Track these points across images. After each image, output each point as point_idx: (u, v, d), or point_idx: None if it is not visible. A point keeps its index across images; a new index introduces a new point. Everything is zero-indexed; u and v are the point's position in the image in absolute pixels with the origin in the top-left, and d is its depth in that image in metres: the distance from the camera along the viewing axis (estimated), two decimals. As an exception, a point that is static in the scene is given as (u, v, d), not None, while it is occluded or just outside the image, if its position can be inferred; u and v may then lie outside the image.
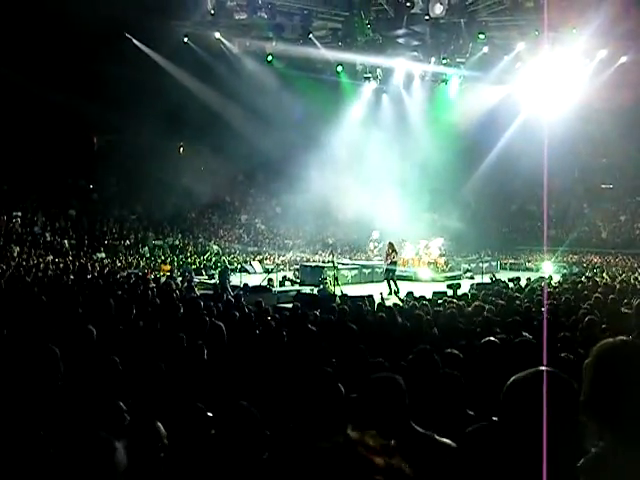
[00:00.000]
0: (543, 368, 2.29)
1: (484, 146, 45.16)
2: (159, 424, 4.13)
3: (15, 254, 28.81)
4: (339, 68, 36.95)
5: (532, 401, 2.16)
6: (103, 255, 31.80)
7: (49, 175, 38.82)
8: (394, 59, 37.30)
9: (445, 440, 3.73)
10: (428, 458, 3.46)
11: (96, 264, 29.53)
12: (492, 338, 7.36)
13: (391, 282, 26.89)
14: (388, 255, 28.40)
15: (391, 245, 29.11)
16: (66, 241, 32.49)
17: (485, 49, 34.62)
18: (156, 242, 35.82)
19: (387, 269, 28.01)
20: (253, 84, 37.24)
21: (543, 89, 37.05)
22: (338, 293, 23.25)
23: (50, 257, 29.53)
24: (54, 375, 7.79)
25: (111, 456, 2.38)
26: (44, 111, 36.29)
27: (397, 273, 28.95)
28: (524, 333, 9.04)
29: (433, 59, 36.47)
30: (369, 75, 38.43)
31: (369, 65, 37.81)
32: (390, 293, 25.19)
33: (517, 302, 15.32)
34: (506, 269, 38.25)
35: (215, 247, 37.38)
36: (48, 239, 32.44)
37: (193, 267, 32.01)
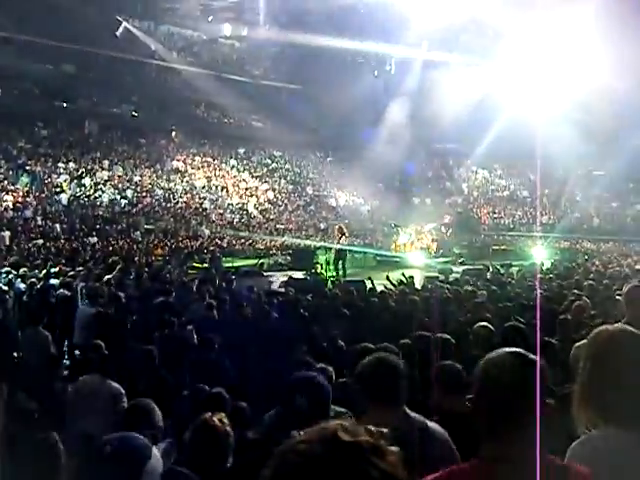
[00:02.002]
0: (514, 350, 2.29)
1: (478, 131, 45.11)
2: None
3: (7, 240, 28.68)
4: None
5: (502, 383, 2.16)
6: (95, 240, 31.65)
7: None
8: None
9: (437, 427, 3.71)
10: (421, 445, 3.46)
11: (88, 248, 29.44)
12: (484, 323, 7.37)
13: (339, 263, 26.95)
14: (339, 239, 28.50)
15: (340, 229, 29.26)
16: (57, 225, 32.34)
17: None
18: (148, 226, 35.69)
19: (338, 250, 27.99)
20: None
21: (535, 74, 37.03)
22: (333, 278, 23.31)
23: (40, 241, 29.40)
24: (44, 355, 7.80)
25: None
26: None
27: (389, 258, 28.97)
28: (516, 318, 9.07)
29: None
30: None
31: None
32: (338, 274, 25.42)
33: (509, 288, 15.38)
34: (498, 255, 38.27)
35: (207, 231, 37.29)
36: (39, 223, 32.30)
37: (186, 252, 31.93)
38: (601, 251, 39.29)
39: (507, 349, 2.29)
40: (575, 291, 13.88)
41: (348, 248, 29.76)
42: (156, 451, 2.42)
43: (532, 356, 2.24)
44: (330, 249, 28.81)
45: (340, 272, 26.23)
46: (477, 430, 2.23)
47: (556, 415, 2.43)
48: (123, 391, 6.92)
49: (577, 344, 5.14)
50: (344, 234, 28.80)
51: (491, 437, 2.14)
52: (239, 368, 8.61)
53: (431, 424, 3.66)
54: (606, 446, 2.43)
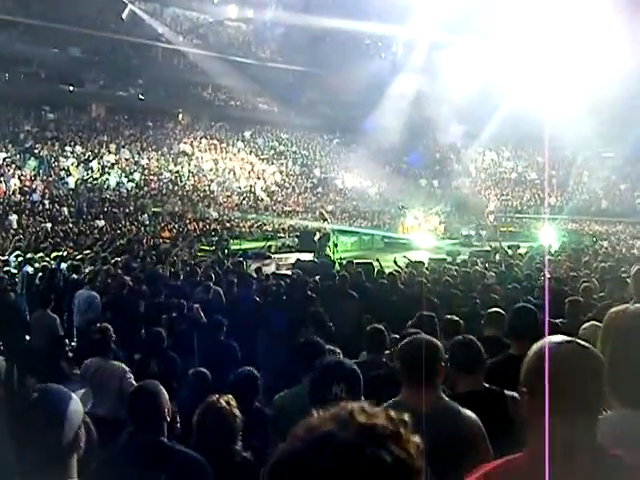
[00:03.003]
0: (571, 339, 2.24)
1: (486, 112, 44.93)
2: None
3: (14, 223, 28.71)
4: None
5: (566, 371, 2.12)
6: (102, 223, 31.67)
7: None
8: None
9: (469, 412, 3.68)
10: (453, 429, 3.47)
11: (95, 231, 29.47)
12: (497, 309, 7.32)
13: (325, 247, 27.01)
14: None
15: (321, 214, 29.37)
16: (65, 209, 32.37)
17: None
18: (155, 209, 35.70)
19: (322, 235, 28.01)
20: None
21: (544, 56, 36.80)
22: (337, 259, 23.28)
23: (48, 225, 29.43)
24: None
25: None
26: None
27: (396, 240, 28.96)
28: (525, 300, 9.03)
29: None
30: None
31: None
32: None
33: (516, 270, 15.33)
34: (505, 237, 38.18)
35: (214, 214, 37.29)
36: (47, 207, 32.32)
37: (194, 235, 31.95)
38: (609, 233, 39.16)
39: (563, 338, 2.23)
40: (584, 272, 13.88)
41: (339, 229, 29.98)
42: (75, 396, 2.47)
43: (591, 346, 2.20)
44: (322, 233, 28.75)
45: (330, 255, 26.12)
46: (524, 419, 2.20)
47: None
48: (127, 369, 6.93)
49: (584, 325, 5.11)
50: (325, 219, 28.96)
51: (556, 430, 2.09)
52: (247, 349, 8.62)
53: (463, 410, 3.64)
54: (622, 427, 2.41)
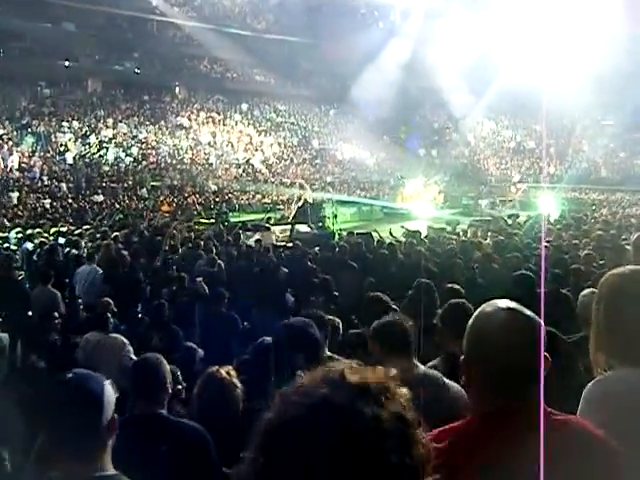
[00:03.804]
0: (509, 304, 2.22)
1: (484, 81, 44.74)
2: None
3: (15, 200, 28.74)
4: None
5: (501, 339, 2.11)
6: (101, 198, 31.68)
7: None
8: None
9: (453, 384, 3.70)
10: (436, 400, 3.47)
11: (94, 207, 29.50)
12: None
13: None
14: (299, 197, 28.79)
15: (301, 185, 29.47)
16: (64, 184, 32.35)
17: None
18: (154, 183, 35.69)
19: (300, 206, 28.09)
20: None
21: (543, 25, 36.58)
22: (337, 230, 23.29)
23: (47, 201, 29.46)
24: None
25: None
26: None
27: (396, 211, 29.00)
28: (526, 268, 9.05)
29: None
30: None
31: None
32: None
33: (516, 238, 15.34)
34: (505, 205, 38.15)
35: (213, 187, 37.28)
36: (45, 183, 32.30)
37: (193, 208, 31.96)
38: (609, 201, 39.17)
39: (500, 303, 2.21)
40: (584, 241, 13.91)
41: (339, 199, 30.22)
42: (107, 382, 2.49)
43: (527, 311, 2.18)
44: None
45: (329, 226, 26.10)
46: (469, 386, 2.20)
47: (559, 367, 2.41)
48: (127, 342, 6.97)
49: (583, 292, 5.14)
50: (302, 187, 29.08)
51: (494, 394, 2.09)
52: (248, 321, 8.66)
53: (448, 381, 3.66)
54: (622, 386, 2.43)
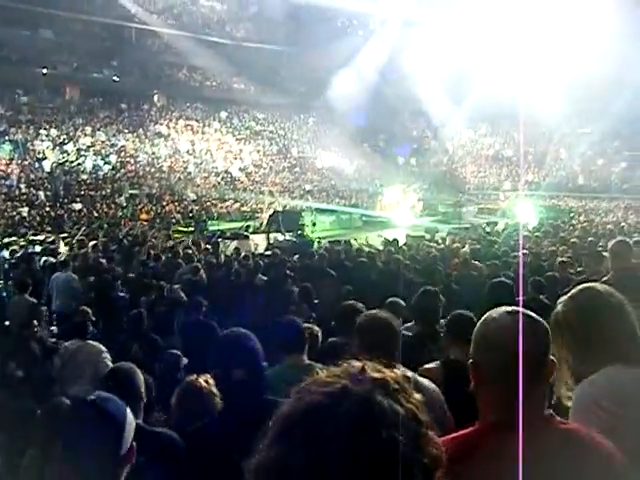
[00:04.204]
0: (516, 309, 2.25)
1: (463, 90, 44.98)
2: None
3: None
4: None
5: (506, 341, 2.13)
6: (80, 206, 31.52)
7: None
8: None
9: (427, 381, 3.73)
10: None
11: (72, 215, 29.34)
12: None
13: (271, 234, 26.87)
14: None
15: (270, 192, 29.64)
16: (41, 192, 32.16)
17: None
18: (132, 191, 35.56)
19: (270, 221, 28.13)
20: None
21: (521, 33, 36.86)
22: (316, 239, 23.29)
23: (25, 209, 29.27)
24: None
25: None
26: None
27: (375, 219, 29.07)
28: (504, 275, 9.09)
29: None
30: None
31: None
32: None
33: (495, 246, 15.41)
34: (483, 213, 38.32)
35: (192, 195, 37.20)
36: (23, 191, 32.11)
37: (171, 217, 31.85)
38: (586, 208, 39.44)
39: (506, 308, 2.25)
40: (562, 248, 14.01)
41: (318, 207, 30.22)
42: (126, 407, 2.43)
43: (536, 316, 2.21)
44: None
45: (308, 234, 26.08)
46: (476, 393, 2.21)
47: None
48: (104, 349, 6.94)
49: (560, 300, 5.16)
50: (272, 195, 29.23)
51: (500, 397, 2.11)
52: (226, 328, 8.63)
53: (421, 378, 3.69)
54: (615, 380, 2.48)
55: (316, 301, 9.04)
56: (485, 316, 2.23)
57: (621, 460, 2.01)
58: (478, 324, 2.23)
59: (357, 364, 1.32)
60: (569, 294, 2.96)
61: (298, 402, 1.27)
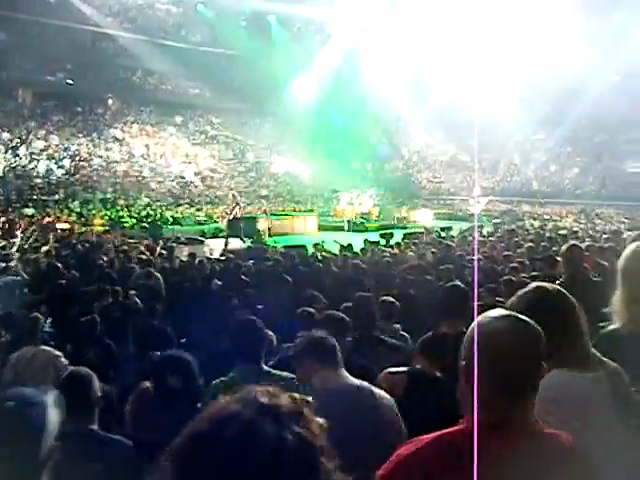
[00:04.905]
0: (509, 312, 2.27)
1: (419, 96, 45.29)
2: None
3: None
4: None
5: (498, 344, 2.14)
6: (32, 211, 31.11)
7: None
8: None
9: (383, 393, 3.74)
10: (364, 409, 3.52)
11: (25, 220, 28.93)
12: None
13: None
14: (232, 209, 28.77)
15: (234, 197, 29.54)
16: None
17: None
18: (86, 196, 35.21)
19: (230, 221, 28.09)
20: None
21: (476, 41, 37.23)
22: (271, 244, 23.23)
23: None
24: None
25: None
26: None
27: (330, 224, 29.11)
28: (459, 279, 9.14)
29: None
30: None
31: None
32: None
33: (450, 251, 15.51)
34: (439, 218, 38.60)
35: (146, 200, 36.93)
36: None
37: (124, 221, 31.55)
38: (540, 213, 39.96)
39: (501, 312, 2.26)
40: (517, 252, 14.17)
41: (274, 213, 30.05)
42: (48, 400, 2.39)
43: (529, 320, 2.22)
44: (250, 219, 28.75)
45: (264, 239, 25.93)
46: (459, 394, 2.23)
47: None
48: (59, 353, 6.86)
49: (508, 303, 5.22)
50: (238, 204, 28.98)
51: (490, 400, 2.11)
52: (182, 334, 8.57)
53: (377, 390, 3.70)
54: (565, 382, 2.52)
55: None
56: (478, 319, 2.24)
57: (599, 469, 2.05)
58: (471, 326, 2.24)
59: (255, 390, 1.36)
60: (521, 291, 2.99)
61: (192, 427, 1.32)
